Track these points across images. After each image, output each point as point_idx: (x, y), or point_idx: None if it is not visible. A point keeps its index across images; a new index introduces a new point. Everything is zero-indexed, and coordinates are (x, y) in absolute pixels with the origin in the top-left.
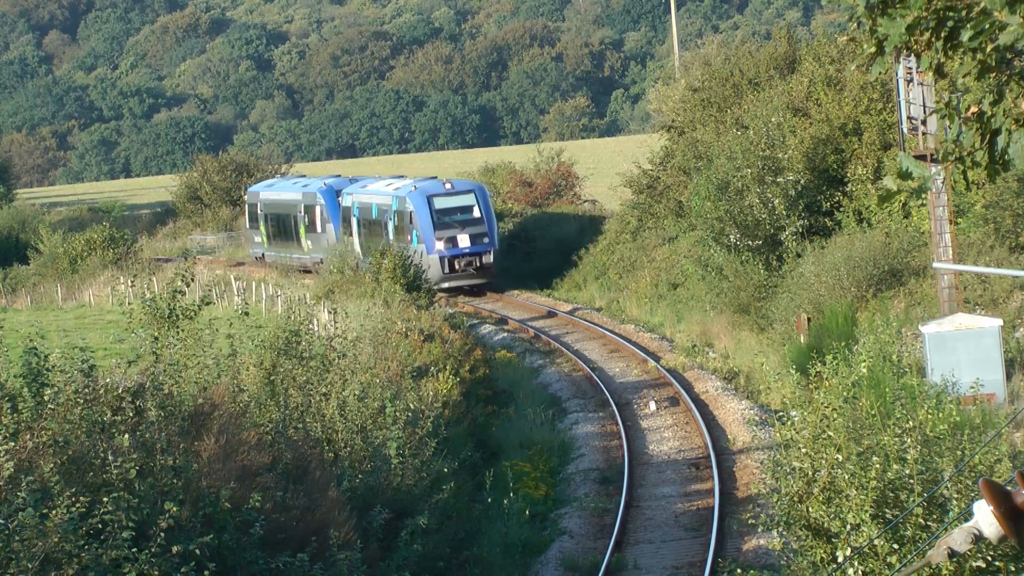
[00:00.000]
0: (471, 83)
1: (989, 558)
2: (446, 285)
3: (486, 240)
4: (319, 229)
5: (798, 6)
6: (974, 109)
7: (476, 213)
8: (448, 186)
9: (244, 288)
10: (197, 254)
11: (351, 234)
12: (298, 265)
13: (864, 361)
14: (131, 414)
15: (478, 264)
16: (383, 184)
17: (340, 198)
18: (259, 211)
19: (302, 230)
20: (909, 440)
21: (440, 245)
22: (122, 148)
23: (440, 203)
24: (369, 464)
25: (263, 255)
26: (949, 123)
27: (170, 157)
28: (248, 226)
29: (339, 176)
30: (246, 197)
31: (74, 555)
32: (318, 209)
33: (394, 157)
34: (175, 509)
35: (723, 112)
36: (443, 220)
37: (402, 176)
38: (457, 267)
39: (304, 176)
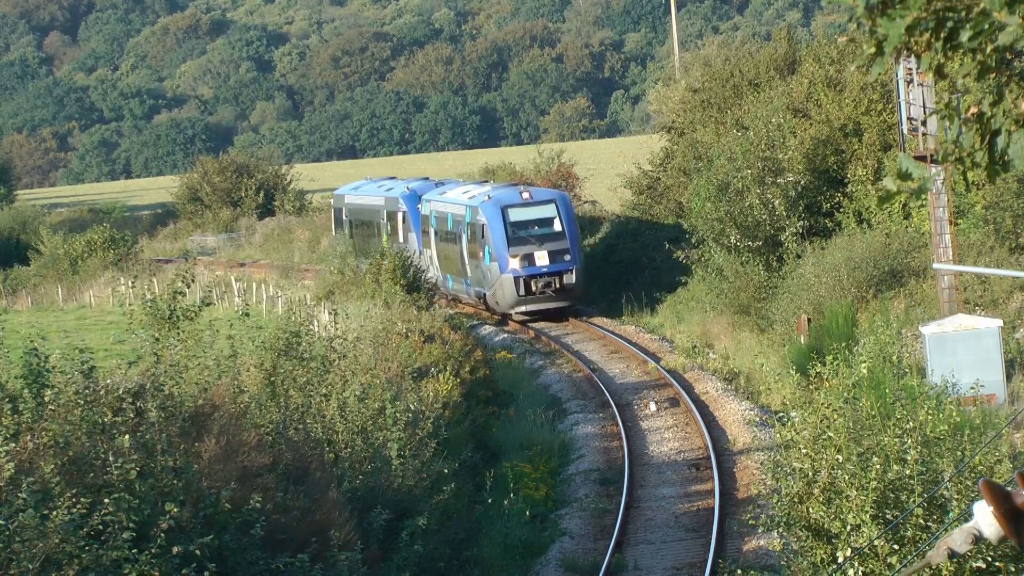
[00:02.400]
0: (471, 84)
1: (989, 559)
2: (522, 309)
3: (567, 257)
4: (401, 239)
5: (798, 7)
6: (974, 110)
7: (557, 226)
8: (526, 195)
9: (244, 289)
10: (197, 255)
11: (429, 246)
12: None
13: (864, 362)
14: (132, 415)
15: (558, 285)
16: (460, 191)
17: (419, 205)
18: (344, 217)
19: (384, 239)
20: (909, 441)
21: (515, 263)
22: (123, 149)
23: (515, 215)
24: (369, 465)
25: None
26: (949, 124)
27: (170, 158)
28: (333, 233)
29: (426, 179)
30: (331, 201)
31: (75, 556)
32: (400, 216)
33: (394, 159)
34: (176, 510)
35: (723, 113)
36: (518, 235)
37: (484, 181)
38: (534, 288)
39: (393, 178)
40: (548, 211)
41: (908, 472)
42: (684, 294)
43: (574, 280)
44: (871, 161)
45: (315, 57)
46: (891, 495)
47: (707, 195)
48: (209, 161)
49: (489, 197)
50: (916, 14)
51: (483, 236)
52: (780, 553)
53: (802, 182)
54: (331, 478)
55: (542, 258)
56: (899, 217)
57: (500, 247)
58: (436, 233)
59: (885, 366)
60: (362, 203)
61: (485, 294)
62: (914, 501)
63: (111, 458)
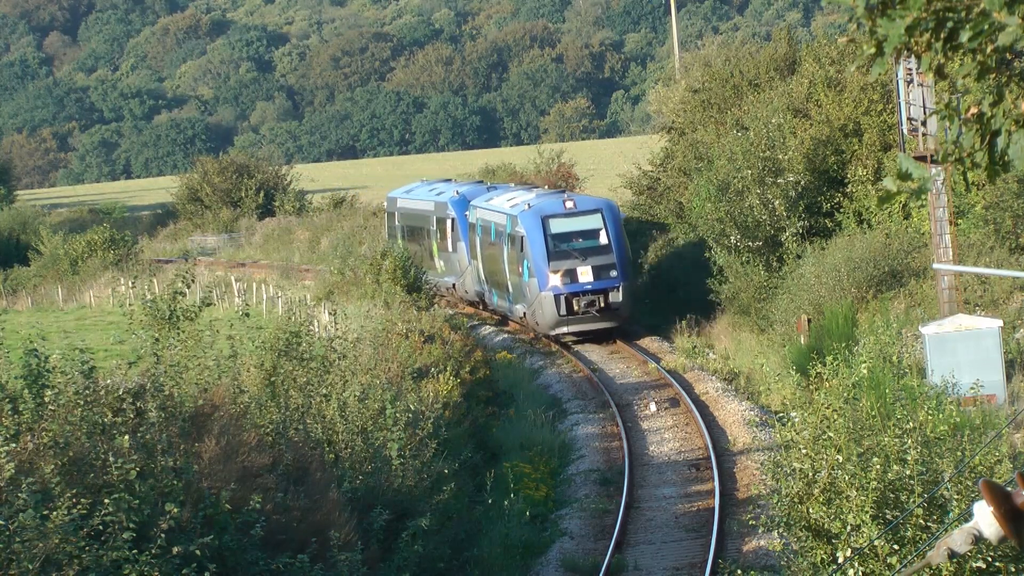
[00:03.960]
0: (471, 84)
1: (989, 559)
2: (564, 330)
3: (613, 273)
4: (450, 247)
5: (798, 7)
6: (974, 110)
7: (603, 239)
8: (570, 204)
9: (245, 289)
10: (197, 255)
11: (476, 256)
12: (433, 288)
13: (864, 362)
14: (132, 415)
15: (602, 304)
16: (505, 198)
17: (467, 211)
18: (396, 222)
19: (435, 247)
20: (909, 441)
21: (555, 279)
22: (123, 150)
23: (557, 226)
24: (370, 465)
25: None
26: (949, 124)
27: (171, 159)
28: (387, 238)
29: (479, 182)
30: (384, 204)
31: (75, 556)
32: (449, 223)
33: (395, 159)
34: (176, 510)
35: (723, 113)
36: (560, 248)
37: (532, 187)
38: (576, 308)
39: (448, 180)
40: (593, 222)
41: (908, 472)
42: (683, 295)
43: (621, 299)
44: (871, 161)
45: (315, 57)
46: (891, 495)
47: (707, 195)
48: (209, 161)
49: (529, 206)
50: (916, 14)
51: (522, 249)
52: (780, 553)
53: (802, 182)
54: (331, 478)
55: (585, 274)
56: (899, 217)
57: (539, 261)
58: (481, 243)
59: (885, 366)
60: (413, 208)
61: (525, 312)
62: (914, 501)
63: (111, 458)
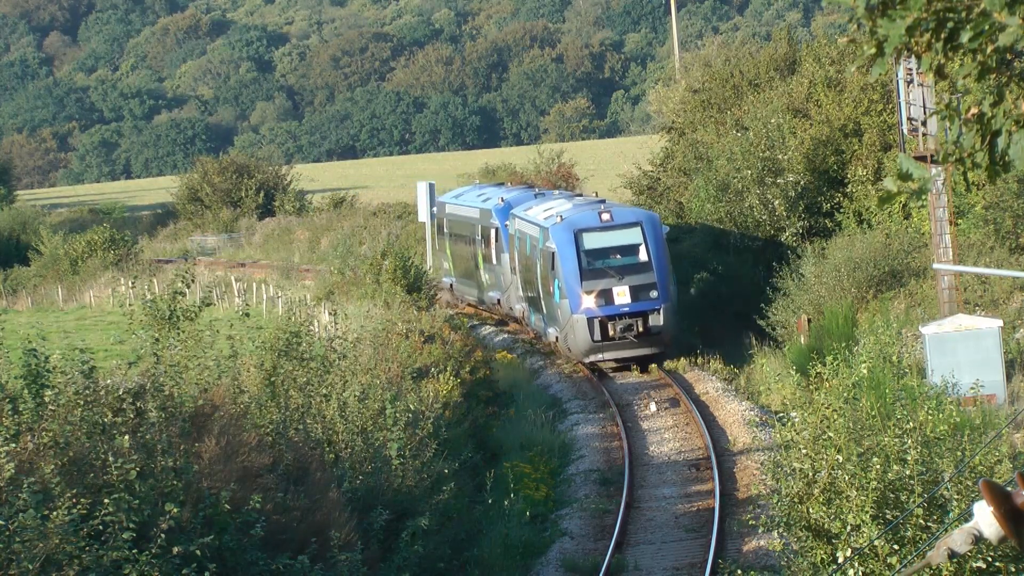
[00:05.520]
0: (471, 84)
1: (989, 559)
2: (599, 357)
3: (654, 294)
4: (494, 259)
5: (798, 7)
6: (974, 110)
7: (642, 255)
8: (606, 216)
9: (244, 289)
10: (197, 255)
11: (515, 271)
12: (479, 303)
13: (864, 362)
14: (132, 415)
15: (641, 328)
16: (542, 207)
17: (507, 221)
18: (445, 229)
19: (480, 258)
20: (909, 441)
21: (588, 301)
22: (123, 150)
23: (591, 240)
24: (370, 465)
25: (451, 285)
26: (949, 124)
27: (171, 159)
28: (436, 246)
29: (528, 186)
30: (434, 209)
31: (75, 556)
32: (493, 233)
33: (395, 159)
34: (176, 510)
35: (723, 113)
36: (594, 265)
37: (575, 194)
38: (611, 332)
39: (500, 185)
40: (632, 236)
41: (908, 472)
42: (683, 296)
43: (662, 322)
44: (871, 161)
45: (315, 57)
46: (891, 495)
47: (707, 195)
48: (209, 161)
49: (561, 218)
50: (916, 15)
51: (553, 266)
52: (780, 553)
53: (802, 182)
54: (331, 478)
55: (622, 295)
56: (899, 217)
57: (571, 280)
58: (519, 257)
59: (885, 366)
60: (459, 215)
61: (557, 336)
62: (914, 501)
63: (111, 458)
